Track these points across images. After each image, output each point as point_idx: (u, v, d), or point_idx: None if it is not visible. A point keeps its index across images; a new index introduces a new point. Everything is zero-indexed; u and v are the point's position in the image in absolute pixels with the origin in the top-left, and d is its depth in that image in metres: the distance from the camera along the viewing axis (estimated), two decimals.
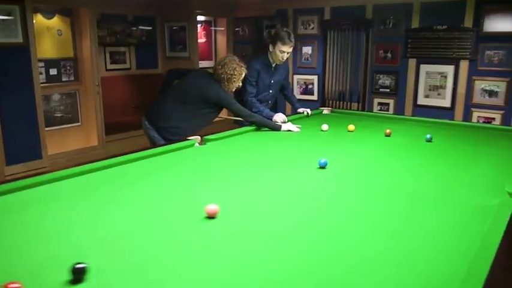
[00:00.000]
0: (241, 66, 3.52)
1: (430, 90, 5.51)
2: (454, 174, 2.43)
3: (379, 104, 5.88)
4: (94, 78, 5.37)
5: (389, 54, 5.70)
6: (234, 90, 3.60)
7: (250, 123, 3.57)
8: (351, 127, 3.54)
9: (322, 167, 2.48)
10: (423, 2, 5.36)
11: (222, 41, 7.26)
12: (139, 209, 1.86)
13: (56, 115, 5.39)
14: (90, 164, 2.42)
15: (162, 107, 3.47)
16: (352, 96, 6.05)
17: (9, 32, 4.36)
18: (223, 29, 7.19)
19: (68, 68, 5.40)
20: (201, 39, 7.17)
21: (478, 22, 5.04)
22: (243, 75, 3.55)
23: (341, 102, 6.12)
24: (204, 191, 2.11)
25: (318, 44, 6.25)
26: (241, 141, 3.23)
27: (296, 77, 6.55)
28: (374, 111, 5.87)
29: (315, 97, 6.43)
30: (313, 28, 6.26)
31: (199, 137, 3.12)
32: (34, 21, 4.71)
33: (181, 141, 3.07)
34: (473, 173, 2.46)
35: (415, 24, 5.45)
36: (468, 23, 5.11)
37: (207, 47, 7.30)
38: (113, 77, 6.36)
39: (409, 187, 2.19)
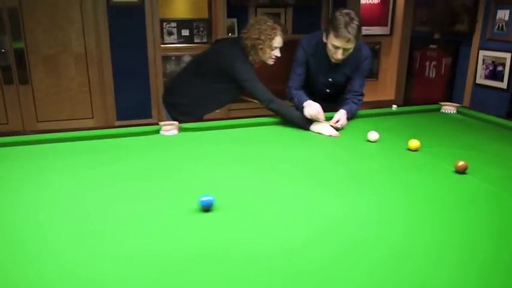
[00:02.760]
0: (274, 29, 2.55)
1: None
2: None
3: None
4: None
5: None
6: (268, 61, 2.65)
7: (271, 111, 2.58)
8: (414, 143, 2.13)
9: (205, 208, 1.48)
10: None
11: (401, 2, 5.77)
12: None
13: None
14: None
15: (176, 80, 2.87)
16: None
17: None
18: None
19: (201, 29, 5.22)
20: (373, 1, 5.87)
21: None
22: (277, 42, 2.57)
23: None
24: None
25: None
26: (226, 137, 2.35)
27: (482, 53, 4.63)
28: None
29: (503, 85, 4.43)
30: None
31: (176, 123, 2.42)
32: None
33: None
34: None
35: None
36: None
37: (382, 10, 5.94)
38: None
39: None
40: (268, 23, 2.56)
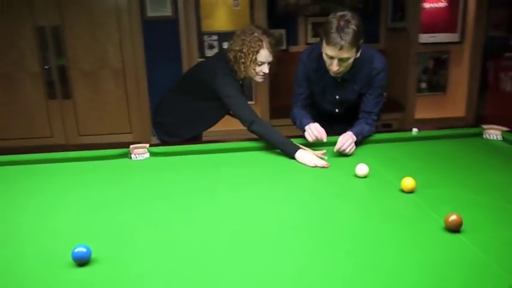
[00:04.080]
0: (259, 41, 2.21)
1: None
2: None
3: None
4: None
5: None
6: (255, 78, 2.33)
7: (254, 134, 2.23)
8: (408, 183, 1.65)
9: (79, 261, 1.21)
10: None
11: (472, 4, 5.00)
12: None
13: None
14: None
15: (163, 98, 2.64)
16: None
17: (159, 4, 4.34)
18: None
19: None
20: (439, 4, 5.17)
21: None
22: (262, 56, 2.23)
23: None
24: None
25: None
26: (196, 165, 2.05)
27: None
28: None
29: None
30: None
31: (146, 145, 2.19)
32: None
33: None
34: None
35: None
36: None
37: (450, 15, 5.20)
38: None
39: None
40: (255, 34, 2.22)
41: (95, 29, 4.50)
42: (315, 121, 2.24)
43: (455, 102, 5.39)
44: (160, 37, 4.49)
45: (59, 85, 4.58)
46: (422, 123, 5.09)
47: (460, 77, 5.30)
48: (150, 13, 4.38)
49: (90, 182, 1.85)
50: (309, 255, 1.26)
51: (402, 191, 1.66)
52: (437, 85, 5.45)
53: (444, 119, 5.25)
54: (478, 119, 5.05)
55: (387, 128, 5.08)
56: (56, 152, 2.11)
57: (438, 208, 1.50)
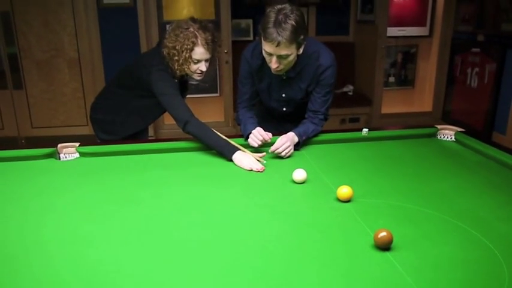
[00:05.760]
0: (194, 37, 2.04)
1: None
2: None
3: None
4: (224, 45, 4.58)
5: None
6: (193, 76, 2.18)
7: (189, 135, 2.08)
8: (343, 192, 1.53)
9: None
10: None
11: None
12: None
13: (191, 83, 4.95)
14: None
15: (100, 93, 2.47)
16: None
17: None
18: None
19: None
20: None
21: None
22: (197, 54, 2.07)
23: None
24: None
25: None
26: (127, 167, 1.89)
27: None
28: None
29: None
30: None
31: (76, 144, 2.02)
32: None
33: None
34: None
35: None
36: None
37: (420, 8, 5.11)
38: None
39: None
40: (190, 29, 2.04)
41: (48, 16, 4.26)
42: (260, 123, 2.13)
43: (423, 96, 5.34)
44: (118, 26, 4.28)
45: (9, 74, 4.34)
46: (389, 118, 5.03)
47: (428, 72, 5.24)
48: (106, 0, 4.16)
49: (6, 187, 1.68)
50: (220, 272, 1.13)
51: (338, 199, 1.54)
52: (405, 79, 5.38)
53: (411, 113, 5.20)
54: (444, 114, 5.01)
55: (354, 122, 5.01)
56: None
57: (372, 221, 1.39)
